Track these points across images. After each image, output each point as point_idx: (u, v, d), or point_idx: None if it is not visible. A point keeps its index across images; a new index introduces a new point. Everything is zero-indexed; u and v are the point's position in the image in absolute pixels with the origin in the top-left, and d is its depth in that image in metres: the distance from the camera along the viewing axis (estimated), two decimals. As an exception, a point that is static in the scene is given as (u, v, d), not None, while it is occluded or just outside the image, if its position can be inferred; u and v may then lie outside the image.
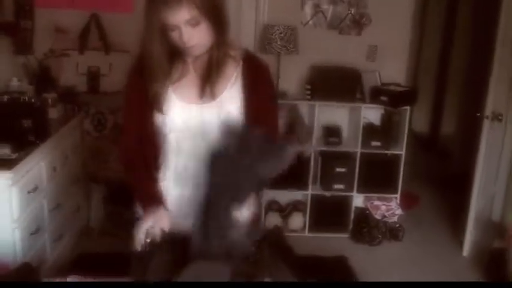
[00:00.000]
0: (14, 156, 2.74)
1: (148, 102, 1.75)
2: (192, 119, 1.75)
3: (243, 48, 1.83)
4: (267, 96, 1.82)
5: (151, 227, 1.69)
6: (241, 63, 1.77)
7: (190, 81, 1.77)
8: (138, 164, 1.83)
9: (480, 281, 3.48)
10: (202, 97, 1.74)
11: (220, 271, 1.61)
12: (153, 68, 1.70)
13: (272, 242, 1.79)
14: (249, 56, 1.81)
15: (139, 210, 1.87)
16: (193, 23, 1.61)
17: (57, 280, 2.13)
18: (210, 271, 1.60)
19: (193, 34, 1.63)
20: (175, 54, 1.73)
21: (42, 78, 3.78)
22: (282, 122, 3.96)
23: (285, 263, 1.73)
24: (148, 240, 1.68)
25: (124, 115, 1.91)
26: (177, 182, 1.82)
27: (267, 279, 1.67)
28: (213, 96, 1.73)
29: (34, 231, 2.89)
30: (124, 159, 1.90)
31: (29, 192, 2.80)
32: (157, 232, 1.69)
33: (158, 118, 1.76)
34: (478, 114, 3.72)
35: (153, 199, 1.78)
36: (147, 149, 1.82)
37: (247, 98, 1.75)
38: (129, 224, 1.87)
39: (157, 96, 1.73)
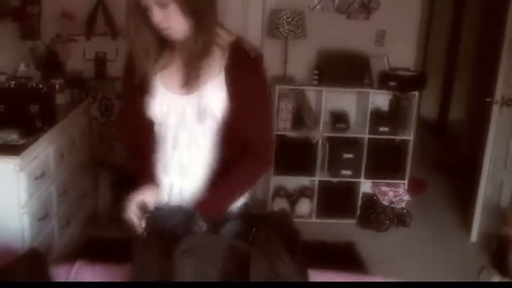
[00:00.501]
0: (21, 142, 2.75)
1: (140, 90, 1.74)
2: (172, 109, 1.72)
3: (235, 35, 1.73)
4: (255, 88, 1.71)
5: (137, 202, 1.72)
6: (227, 53, 1.68)
7: (175, 69, 1.71)
8: (137, 149, 1.84)
9: (485, 273, 3.48)
10: (184, 87, 1.69)
11: (215, 243, 1.64)
12: (135, 51, 1.66)
13: (275, 225, 1.78)
14: (238, 45, 1.70)
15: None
16: (161, 4, 1.55)
17: (65, 266, 2.15)
18: (206, 243, 1.63)
19: (163, 16, 1.57)
20: (164, 40, 1.68)
21: (49, 64, 3.77)
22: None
23: (290, 248, 1.72)
24: (140, 215, 1.71)
25: (124, 102, 1.93)
26: (164, 170, 1.82)
27: (263, 262, 1.67)
28: (194, 87, 1.68)
29: (42, 217, 2.90)
30: (126, 147, 1.92)
31: (36, 178, 2.81)
32: (145, 206, 1.72)
33: (146, 105, 1.75)
34: (488, 100, 3.69)
35: (147, 177, 1.79)
36: (143, 135, 1.82)
37: (232, 90, 1.68)
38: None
39: (142, 82, 1.70)
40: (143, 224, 1.69)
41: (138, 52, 1.66)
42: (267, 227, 1.74)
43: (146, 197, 1.74)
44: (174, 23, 1.59)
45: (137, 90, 1.73)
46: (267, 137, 1.86)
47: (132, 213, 1.73)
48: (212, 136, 1.74)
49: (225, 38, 1.70)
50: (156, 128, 1.79)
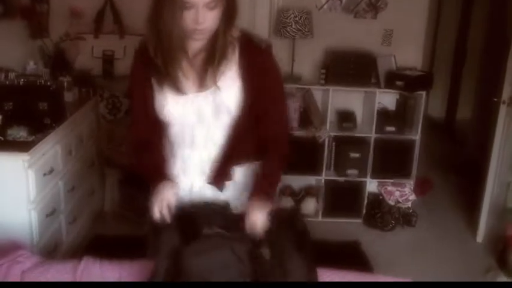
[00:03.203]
0: (30, 138, 2.77)
1: (153, 88, 1.76)
2: (189, 107, 1.75)
3: (241, 29, 1.79)
4: (268, 79, 1.78)
5: (161, 200, 1.72)
6: (238, 48, 1.74)
7: (188, 70, 1.74)
8: (147, 147, 1.85)
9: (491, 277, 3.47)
10: (201, 85, 1.73)
11: (222, 246, 1.66)
12: (172, 46, 1.67)
13: (285, 224, 1.79)
14: (246, 38, 1.77)
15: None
16: (212, 6, 1.62)
17: (72, 262, 2.17)
18: (213, 246, 1.65)
19: (209, 16, 1.63)
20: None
21: (58, 62, 3.80)
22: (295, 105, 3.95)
23: (299, 246, 1.73)
24: (161, 214, 1.71)
25: (131, 101, 1.96)
26: (183, 170, 1.84)
27: (271, 261, 1.68)
28: (209, 84, 1.72)
29: (50, 213, 2.93)
30: (134, 145, 1.92)
31: (45, 174, 2.84)
32: (166, 205, 1.73)
33: (158, 104, 1.76)
34: (495, 100, 3.68)
35: (161, 176, 1.80)
36: (153, 133, 1.84)
37: (246, 84, 1.73)
38: (143, 207, 1.90)
39: (174, 77, 1.71)
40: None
41: (173, 46, 1.67)
42: (277, 224, 1.75)
43: (169, 193, 1.74)
44: (215, 23, 1.66)
45: (149, 87, 1.76)
46: (285, 127, 1.90)
47: (160, 209, 1.72)
48: (226, 131, 1.78)
49: (234, 34, 1.74)
50: (170, 127, 1.80)
